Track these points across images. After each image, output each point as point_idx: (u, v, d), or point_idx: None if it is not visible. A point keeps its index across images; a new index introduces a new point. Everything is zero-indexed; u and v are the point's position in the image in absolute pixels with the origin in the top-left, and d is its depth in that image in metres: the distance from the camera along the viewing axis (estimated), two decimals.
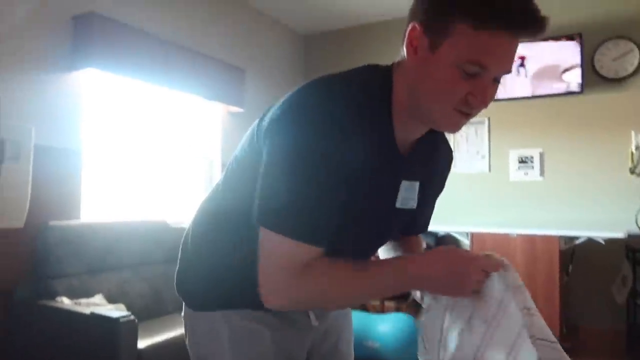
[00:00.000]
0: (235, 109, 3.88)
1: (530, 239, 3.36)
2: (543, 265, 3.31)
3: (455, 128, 0.86)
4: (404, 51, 0.84)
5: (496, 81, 0.82)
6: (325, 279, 0.83)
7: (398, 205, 0.95)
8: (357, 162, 0.82)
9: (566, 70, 3.70)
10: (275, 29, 4.57)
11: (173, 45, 3.28)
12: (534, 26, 0.76)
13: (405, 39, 0.83)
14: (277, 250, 0.80)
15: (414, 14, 0.83)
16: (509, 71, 0.81)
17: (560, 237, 3.29)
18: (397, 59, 0.89)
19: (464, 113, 0.82)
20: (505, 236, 3.45)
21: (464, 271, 0.85)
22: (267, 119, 0.85)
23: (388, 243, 1.15)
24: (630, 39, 3.57)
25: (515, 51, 0.80)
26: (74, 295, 2.44)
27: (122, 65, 2.91)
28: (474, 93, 0.80)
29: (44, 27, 2.68)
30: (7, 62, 2.50)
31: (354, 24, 4.63)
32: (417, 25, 0.81)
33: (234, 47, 4.03)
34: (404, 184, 0.94)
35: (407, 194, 0.96)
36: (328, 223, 0.82)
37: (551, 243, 3.29)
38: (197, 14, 3.68)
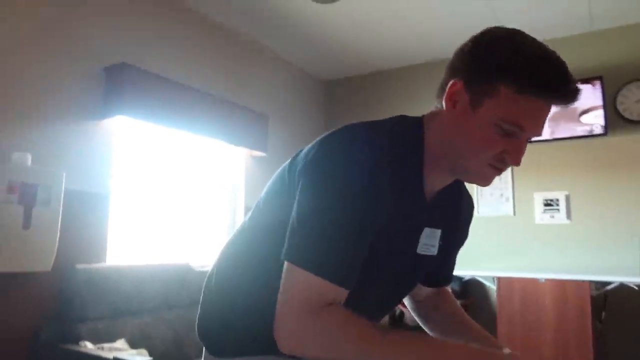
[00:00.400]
0: (258, 153, 3.95)
1: (560, 284, 3.26)
2: (574, 312, 3.19)
3: (487, 182, 0.89)
4: (442, 105, 0.88)
5: (528, 140, 0.86)
6: (342, 329, 0.77)
7: (419, 251, 0.96)
8: (384, 209, 0.84)
9: (584, 112, 3.69)
10: (296, 76, 4.69)
11: (199, 92, 3.39)
12: (571, 98, 0.81)
13: (445, 93, 0.87)
14: (298, 286, 0.78)
15: (455, 70, 0.87)
16: (540, 134, 0.86)
17: (591, 282, 3.19)
18: (428, 110, 0.93)
19: (497, 168, 0.86)
20: (533, 281, 3.35)
21: None
22: (301, 160, 0.87)
23: (422, 301, 1.15)
24: None
25: (547, 115, 0.85)
26: (97, 339, 2.44)
27: (150, 113, 3.02)
28: (509, 151, 0.84)
29: (78, 77, 2.81)
30: (41, 111, 2.61)
31: (373, 70, 4.73)
32: (458, 82, 0.85)
33: (258, 94, 4.14)
34: (426, 230, 0.95)
35: (428, 241, 0.97)
36: (354, 265, 0.81)
37: (582, 289, 3.19)
38: (221, 62, 3.82)
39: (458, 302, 1.18)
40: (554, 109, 0.85)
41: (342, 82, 4.95)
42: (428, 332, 1.16)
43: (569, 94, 0.80)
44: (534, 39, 0.84)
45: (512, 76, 0.79)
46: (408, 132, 0.90)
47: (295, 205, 0.83)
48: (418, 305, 1.19)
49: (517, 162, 0.85)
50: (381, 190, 0.83)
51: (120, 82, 2.89)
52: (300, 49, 4.27)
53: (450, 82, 0.86)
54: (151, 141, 3.28)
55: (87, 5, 2.89)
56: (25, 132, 2.53)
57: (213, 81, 3.69)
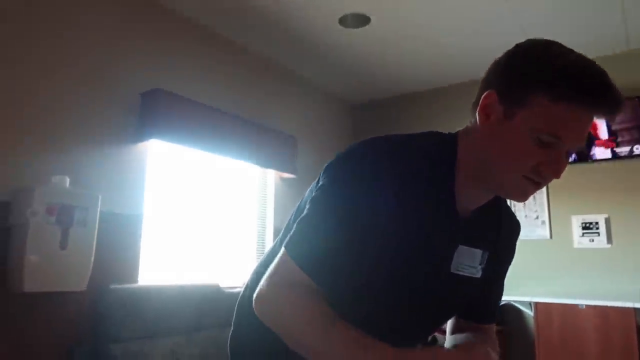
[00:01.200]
0: (287, 175, 3.97)
1: (602, 311, 3.12)
2: (619, 341, 3.04)
3: (523, 197, 0.84)
4: (476, 117, 0.85)
5: (568, 154, 0.81)
6: (299, 308, 0.80)
7: (453, 270, 0.92)
8: (402, 223, 0.82)
9: (625, 132, 3.57)
10: (325, 99, 4.73)
11: (230, 116, 3.45)
12: (612, 107, 0.76)
13: (479, 105, 0.84)
14: (282, 269, 0.83)
15: (489, 82, 0.85)
16: (582, 145, 0.81)
17: (637, 310, 3.04)
18: (463, 126, 0.90)
19: (534, 182, 0.81)
20: (573, 307, 3.22)
21: None
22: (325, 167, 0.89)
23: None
24: None
25: (590, 126, 0.79)
26: (130, 358, 2.45)
27: (183, 136, 3.08)
28: (546, 163, 0.79)
29: (115, 103, 2.90)
30: (80, 135, 2.70)
31: (400, 93, 4.72)
32: (492, 93, 0.82)
33: (287, 117, 4.18)
34: (461, 248, 0.91)
35: (465, 260, 0.93)
36: (335, 268, 0.81)
37: (626, 316, 3.04)
38: (251, 87, 3.88)
39: (495, 341, 1.06)
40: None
41: (370, 104, 4.96)
42: None
43: (609, 102, 0.76)
44: (571, 49, 0.80)
45: (547, 84, 0.76)
46: (439, 146, 0.88)
47: (310, 198, 0.86)
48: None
49: (556, 174, 0.80)
50: (400, 204, 0.81)
51: (154, 107, 2.97)
52: (328, 73, 4.31)
53: (484, 94, 0.83)
54: (184, 164, 3.34)
55: (124, 32, 3.00)
56: (64, 155, 2.61)
57: (243, 105, 3.75)
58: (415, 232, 0.84)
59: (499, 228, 1.01)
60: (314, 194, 0.86)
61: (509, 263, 1.08)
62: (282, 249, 0.85)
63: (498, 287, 1.08)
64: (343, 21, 3.41)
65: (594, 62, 0.78)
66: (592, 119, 0.78)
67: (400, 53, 3.89)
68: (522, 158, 0.79)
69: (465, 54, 3.82)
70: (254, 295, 0.85)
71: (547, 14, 3.25)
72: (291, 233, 0.85)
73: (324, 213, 0.83)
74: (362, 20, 3.40)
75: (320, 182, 0.86)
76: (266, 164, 3.72)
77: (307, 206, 0.85)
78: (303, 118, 4.39)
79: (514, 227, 1.06)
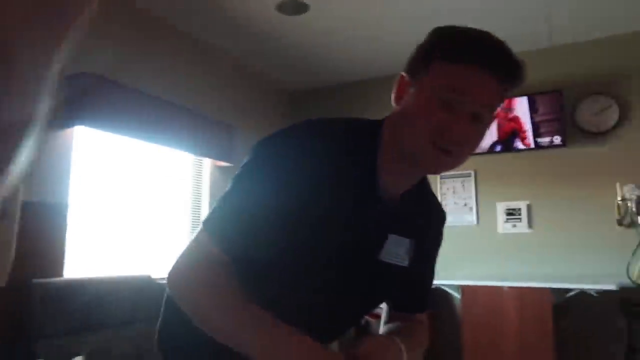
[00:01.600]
0: (223, 163, 3.90)
1: (522, 292, 3.33)
2: (535, 319, 3.26)
3: (436, 166, 0.84)
4: (393, 100, 0.89)
5: (476, 119, 0.81)
6: (217, 295, 0.82)
7: (383, 258, 0.93)
8: (324, 203, 0.84)
9: (546, 124, 3.80)
10: (263, 86, 4.67)
11: (163, 102, 3.33)
12: (508, 67, 0.81)
13: (394, 88, 0.89)
14: (195, 244, 0.86)
15: (404, 69, 0.89)
16: (485, 105, 0.81)
17: (552, 290, 3.26)
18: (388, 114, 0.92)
19: (443, 150, 0.81)
20: (497, 289, 3.41)
21: None
22: None
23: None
24: (609, 95, 3.70)
25: (493, 90, 0.81)
26: (54, 357, 2.33)
27: (113, 123, 2.94)
28: (449, 122, 0.79)
29: None
30: None
31: (338, 82, 4.75)
32: (404, 75, 0.88)
33: (223, 104, 4.09)
34: (391, 237, 0.93)
35: (394, 248, 0.94)
36: (253, 244, 0.83)
37: (543, 296, 3.26)
38: (188, 73, 3.76)
39: (425, 330, 1.07)
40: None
41: (309, 92, 4.96)
42: None
43: (503, 61, 0.81)
44: (474, 27, 0.85)
45: (444, 50, 0.81)
46: (365, 130, 0.91)
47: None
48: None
49: (460, 134, 0.80)
50: (318, 185, 0.83)
51: (80, 91, 2.80)
52: (266, 60, 4.26)
53: (397, 79, 0.88)
54: (114, 151, 3.19)
55: None
56: None
57: (179, 92, 3.63)
58: (333, 214, 0.86)
59: (427, 217, 1.03)
60: (238, 171, 0.88)
61: (437, 252, 1.10)
62: (200, 226, 0.87)
63: (427, 277, 1.10)
64: (281, 8, 3.37)
65: (492, 34, 0.83)
66: (491, 80, 0.80)
67: (339, 41, 3.91)
68: (425, 117, 0.81)
69: (402, 45, 3.90)
70: (168, 273, 0.86)
71: (475, 9, 3.37)
72: (211, 211, 0.87)
73: (242, 189, 0.85)
74: (300, 7, 3.37)
75: (244, 161, 0.88)
76: (201, 152, 3.63)
77: (228, 185, 0.87)
78: (241, 105, 4.32)
79: (441, 216, 1.09)
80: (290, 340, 0.78)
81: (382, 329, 1.05)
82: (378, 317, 1.14)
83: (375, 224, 0.91)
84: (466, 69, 0.79)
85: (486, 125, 0.84)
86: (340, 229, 0.87)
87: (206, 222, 0.86)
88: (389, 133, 0.89)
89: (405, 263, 0.97)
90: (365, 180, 0.88)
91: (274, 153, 0.85)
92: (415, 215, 0.98)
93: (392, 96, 0.88)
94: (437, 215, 1.07)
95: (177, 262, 0.86)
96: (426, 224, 1.03)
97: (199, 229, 0.87)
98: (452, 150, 0.81)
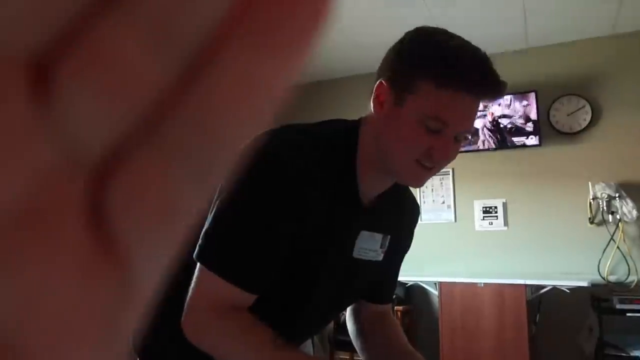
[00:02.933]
0: None
1: (498, 289, 3.39)
2: (511, 315, 3.33)
3: (417, 182, 0.88)
4: (371, 106, 0.87)
5: (458, 140, 0.85)
6: (243, 335, 0.80)
7: (355, 255, 0.94)
8: (309, 215, 0.83)
9: (522, 124, 3.88)
10: None
11: None
12: (493, 90, 0.82)
13: (373, 94, 0.87)
14: (208, 289, 0.79)
15: (382, 72, 0.88)
16: (469, 130, 0.85)
17: (527, 286, 3.34)
18: (364, 114, 0.92)
19: (426, 167, 0.84)
20: (473, 285, 3.47)
21: None
22: None
23: (364, 323, 1.11)
24: (581, 96, 3.79)
25: (475, 111, 0.84)
26: None
27: None
28: (436, 147, 0.82)
29: None
30: None
31: (311, 80, 4.75)
32: (384, 82, 0.85)
33: None
34: (363, 234, 0.94)
35: (367, 245, 0.95)
36: (266, 271, 0.81)
37: (518, 292, 3.33)
38: None
39: (401, 329, 1.14)
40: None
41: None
42: None
43: (488, 87, 0.81)
44: (458, 37, 0.84)
45: (431, 70, 0.80)
46: (341, 134, 0.90)
47: (214, 205, 0.82)
48: (359, 330, 1.13)
49: (444, 159, 0.83)
50: (305, 195, 0.82)
51: None
52: None
53: (376, 84, 0.86)
54: None
55: None
56: None
57: None
58: (321, 223, 0.86)
59: (401, 212, 1.05)
60: (217, 197, 0.82)
61: (409, 246, 1.14)
62: (201, 267, 0.79)
63: (396, 269, 1.14)
64: None
65: (477, 49, 0.82)
66: (475, 103, 0.83)
67: None
68: (412, 143, 0.82)
69: (377, 45, 3.92)
70: (188, 327, 0.80)
71: (453, 12, 3.42)
72: (205, 246, 0.79)
73: (236, 219, 0.80)
74: None
75: (223, 184, 0.82)
76: None
77: (214, 213, 0.81)
78: None
79: (415, 211, 1.12)
80: None
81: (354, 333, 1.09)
82: None
83: (352, 226, 0.92)
84: (455, 96, 0.79)
85: (466, 140, 0.88)
86: (331, 237, 0.89)
87: (210, 259, 0.79)
88: (367, 144, 0.88)
89: (380, 258, 0.99)
90: (346, 189, 0.88)
91: (253, 175, 0.78)
92: (389, 211, 0.99)
93: (372, 103, 0.87)
94: (411, 209, 1.10)
95: (192, 316, 0.80)
96: (400, 218, 1.05)
97: (197, 268, 0.80)
98: (434, 167, 0.85)
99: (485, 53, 0.82)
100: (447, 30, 0.86)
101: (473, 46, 0.83)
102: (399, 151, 0.84)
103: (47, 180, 0.10)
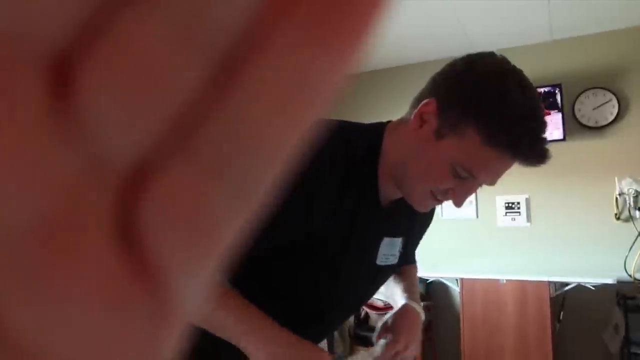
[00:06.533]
0: None
1: (520, 285, 3.34)
2: (534, 313, 3.28)
3: (424, 209, 0.89)
4: (410, 115, 0.84)
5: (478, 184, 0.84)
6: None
7: (379, 262, 0.94)
8: (326, 212, 0.83)
9: (546, 118, 3.82)
10: None
11: None
12: (536, 162, 0.80)
13: (418, 108, 0.83)
14: None
15: (436, 89, 0.83)
16: (493, 185, 0.84)
17: (550, 283, 3.28)
18: (398, 117, 0.91)
19: (437, 200, 0.85)
20: (495, 282, 3.43)
21: None
22: None
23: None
24: (608, 89, 3.70)
25: (507, 170, 0.83)
26: None
27: None
28: (455, 192, 0.82)
29: None
30: None
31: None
32: (433, 103, 0.81)
33: None
34: (385, 240, 0.94)
35: (388, 250, 0.95)
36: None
37: (541, 289, 3.28)
38: None
39: (414, 273, 1.14)
40: None
41: None
42: None
43: (534, 157, 0.79)
44: (525, 87, 0.78)
45: (483, 123, 0.76)
46: (366, 138, 0.89)
47: None
48: None
49: (459, 204, 0.83)
50: (327, 193, 0.81)
51: None
52: None
53: (426, 100, 0.81)
54: None
55: None
56: None
57: None
58: (338, 228, 0.85)
59: (415, 213, 1.02)
60: None
61: (425, 229, 1.14)
62: None
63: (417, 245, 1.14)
64: None
65: (538, 109, 0.79)
66: (512, 164, 0.81)
67: None
68: (436, 181, 0.81)
69: (397, 39, 3.89)
70: None
71: (477, 4, 3.37)
72: None
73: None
74: None
75: None
76: None
77: None
78: None
79: (432, 211, 1.10)
80: (273, 328, 0.79)
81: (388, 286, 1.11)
82: (374, 307, 1.19)
83: (375, 231, 0.93)
84: (496, 157, 0.77)
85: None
86: (354, 243, 0.88)
87: None
88: (392, 152, 0.87)
89: (396, 261, 0.99)
90: (368, 192, 0.88)
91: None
92: (404, 213, 0.98)
93: (413, 117, 0.83)
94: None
95: None
96: (415, 219, 1.04)
97: None
98: (445, 201, 0.85)
99: (544, 118, 0.79)
100: (517, 74, 0.80)
101: (535, 105, 0.79)
102: (419, 180, 0.83)
103: (72, 192, 0.09)
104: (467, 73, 0.80)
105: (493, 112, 0.76)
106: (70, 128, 0.09)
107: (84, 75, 0.09)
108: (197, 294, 0.11)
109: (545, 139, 0.79)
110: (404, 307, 1.00)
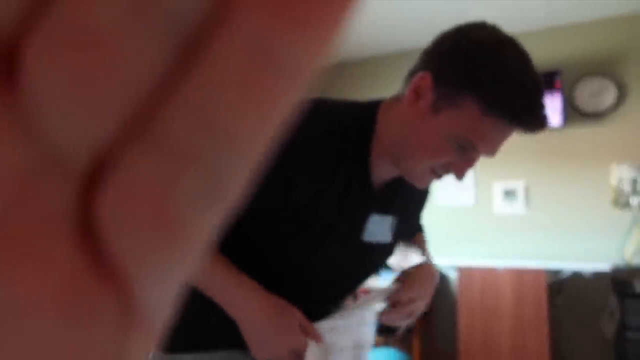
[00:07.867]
0: None
1: (517, 272, 3.36)
2: (531, 299, 3.30)
3: (423, 185, 0.87)
4: (404, 90, 0.83)
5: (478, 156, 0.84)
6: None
7: (366, 238, 0.93)
8: (315, 195, 0.83)
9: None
10: None
11: None
12: (535, 127, 0.79)
13: (412, 82, 0.81)
14: None
15: (429, 62, 0.82)
16: (494, 155, 0.83)
17: (547, 270, 3.30)
18: (389, 94, 0.90)
19: (437, 175, 0.84)
20: (492, 269, 3.45)
21: (286, 323, 0.81)
22: None
23: None
24: (606, 76, 3.69)
25: (507, 137, 0.82)
26: None
27: None
28: (456, 165, 0.81)
29: None
30: None
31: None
32: (427, 77, 0.80)
33: None
34: (374, 217, 0.93)
35: (377, 227, 0.94)
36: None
37: (538, 276, 3.30)
38: None
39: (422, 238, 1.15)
40: None
41: None
42: None
43: (534, 123, 0.78)
44: (520, 54, 0.78)
45: (480, 94, 0.75)
46: (360, 116, 0.88)
47: None
48: None
49: (460, 176, 0.82)
50: (315, 170, 0.82)
51: None
52: None
53: (420, 74, 0.80)
54: None
55: None
56: None
57: None
58: (326, 205, 0.85)
59: (411, 193, 1.02)
60: None
61: (422, 207, 1.13)
62: None
63: (418, 220, 1.14)
64: None
65: (535, 74, 0.78)
66: (511, 131, 0.81)
67: None
68: (436, 156, 0.80)
69: (396, 24, 3.86)
70: None
71: None
72: None
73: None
74: None
75: None
76: None
77: None
78: None
79: (426, 190, 1.10)
80: (245, 283, 0.81)
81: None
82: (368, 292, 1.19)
83: (362, 208, 0.92)
84: (495, 124, 0.76)
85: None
86: (331, 219, 0.88)
87: None
88: (387, 131, 0.86)
89: (389, 239, 0.98)
90: (358, 172, 0.87)
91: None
92: (400, 193, 0.97)
93: (408, 93, 0.81)
94: (421, 191, 1.08)
95: None
96: (411, 199, 1.03)
97: None
98: (445, 176, 0.84)
99: (541, 83, 0.78)
100: (511, 42, 0.79)
101: (532, 70, 0.78)
102: (419, 157, 0.82)
103: (22, 186, 0.08)
104: (462, 43, 0.79)
105: (490, 81, 0.75)
106: (17, 116, 0.08)
107: (27, 55, 0.08)
108: (166, 299, 0.10)
109: (543, 105, 0.78)
110: (422, 263, 1.01)
